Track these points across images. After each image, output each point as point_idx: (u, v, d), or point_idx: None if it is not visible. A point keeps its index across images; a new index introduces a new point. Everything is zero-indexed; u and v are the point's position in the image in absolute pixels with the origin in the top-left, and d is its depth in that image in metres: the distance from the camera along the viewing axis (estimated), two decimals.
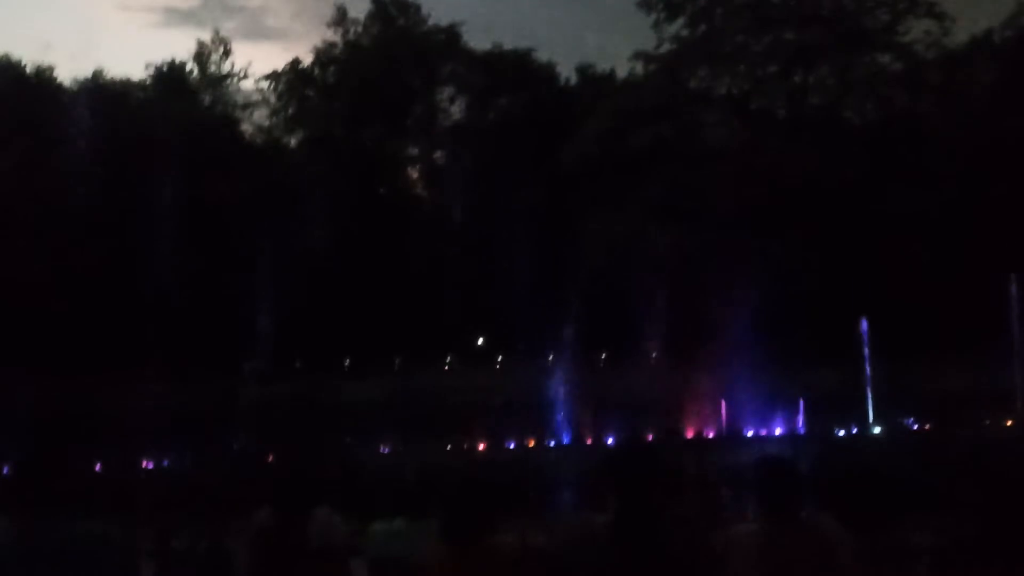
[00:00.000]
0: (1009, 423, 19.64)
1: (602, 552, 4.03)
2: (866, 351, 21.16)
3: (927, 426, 20.39)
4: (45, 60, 38.53)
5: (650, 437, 18.62)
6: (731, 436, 20.19)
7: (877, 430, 20.22)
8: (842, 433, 19.98)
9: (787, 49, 32.93)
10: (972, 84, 31.75)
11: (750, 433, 20.10)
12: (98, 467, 17.01)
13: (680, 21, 33.95)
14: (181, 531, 7.55)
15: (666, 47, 33.87)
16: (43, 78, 36.88)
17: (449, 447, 18.70)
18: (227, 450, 16.73)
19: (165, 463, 17.58)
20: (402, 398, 21.13)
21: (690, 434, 20.45)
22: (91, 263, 25.47)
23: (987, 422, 19.71)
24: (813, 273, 21.68)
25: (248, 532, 5.46)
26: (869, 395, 20.50)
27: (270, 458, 15.20)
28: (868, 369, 21.04)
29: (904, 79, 32.82)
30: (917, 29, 32.80)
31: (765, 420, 19.73)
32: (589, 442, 19.58)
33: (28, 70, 37.11)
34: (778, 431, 20.14)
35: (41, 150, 26.76)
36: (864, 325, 21.68)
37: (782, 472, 4.67)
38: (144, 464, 17.55)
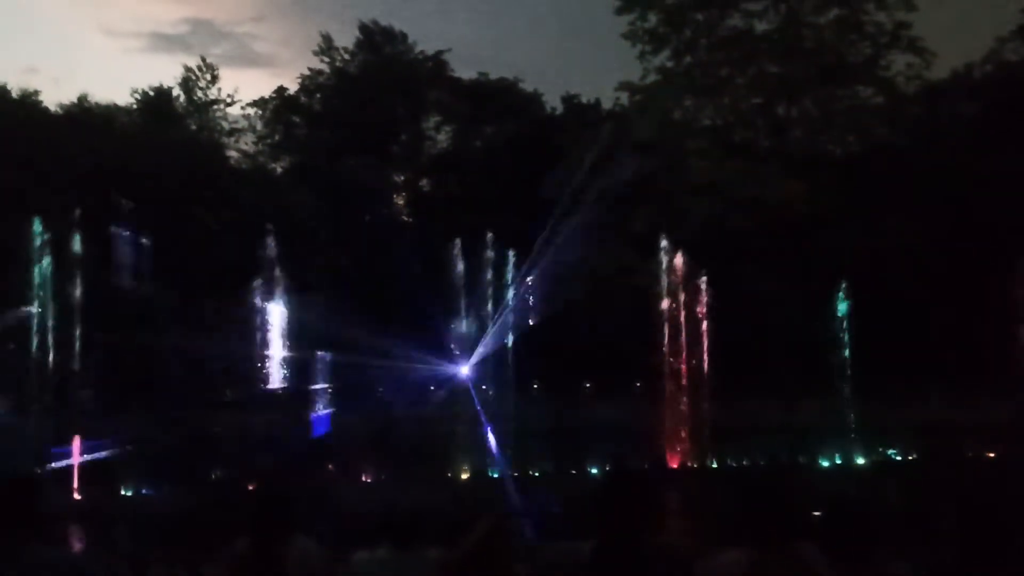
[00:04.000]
0: (991, 454, 19.73)
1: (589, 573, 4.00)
2: (845, 383, 21.26)
3: (910, 456, 20.45)
4: (30, 85, 38.42)
5: (633, 466, 18.58)
6: (714, 466, 20.16)
7: (860, 460, 20.25)
8: (826, 464, 20.00)
9: (770, 81, 33.30)
10: (952, 117, 32.15)
11: (732, 463, 20.07)
12: (75, 495, 16.77)
13: (665, 53, 34.35)
14: (157, 561, 7.42)
15: (651, 78, 34.25)
16: (28, 103, 36.82)
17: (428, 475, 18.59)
18: (204, 479, 16.55)
19: (142, 491, 17.37)
20: (382, 428, 21.05)
21: (674, 464, 20.41)
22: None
23: (969, 453, 19.79)
24: (797, 304, 21.78)
25: (225, 562, 5.38)
26: (851, 427, 20.56)
27: (246, 487, 15.08)
28: (850, 400, 21.11)
29: (885, 112, 33.22)
30: (899, 63, 33.35)
31: (747, 450, 19.72)
32: (572, 472, 19.51)
33: (14, 94, 37.07)
34: (760, 462, 20.14)
35: (26, 175, 26.64)
36: (846, 356, 21.77)
37: (766, 501, 4.66)
38: (121, 492, 17.32)
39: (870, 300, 22.32)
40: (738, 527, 4.68)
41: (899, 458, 20.62)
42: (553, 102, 43.51)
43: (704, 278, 21.84)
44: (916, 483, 15.39)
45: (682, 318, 21.45)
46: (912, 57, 33.04)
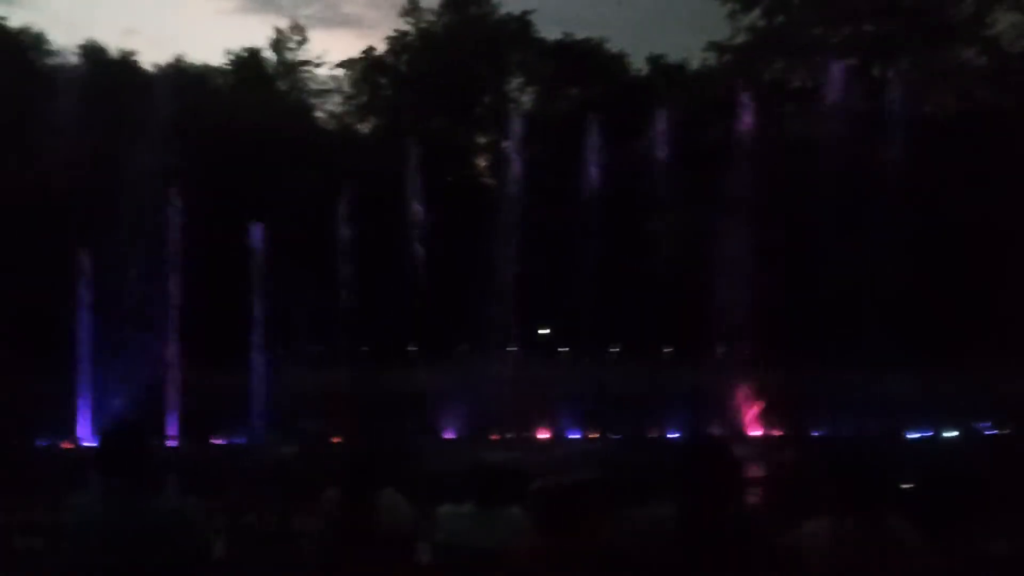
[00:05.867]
0: None
1: (671, 548, 4.02)
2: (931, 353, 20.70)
3: (1006, 430, 19.84)
4: (128, 45, 39.68)
5: (714, 433, 18.48)
6: (798, 435, 19.86)
7: (952, 433, 19.73)
8: (916, 436, 19.54)
9: (866, 41, 32.16)
10: None
11: (817, 433, 19.77)
12: (173, 443, 17.51)
13: (755, 12, 33.46)
14: (251, 509, 7.72)
15: (741, 38, 33.44)
16: (127, 63, 37.96)
17: (509, 437, 18.82)
18: (296, 431, 17.08)
19: (236, 441, 18.01)
20: (463, 387, 21.30)
21: (755, 432, 20.20)
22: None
23: None
24: (890, 274, 21.23)
25: (317, 512, 5.59)
26: (943, 398, 20.04)
27: (336, 440, 15.51)
28: (940, 372, 20.56)
29: (989, 73, 31.84)
30: (1003, 22, 31.86)
31: (835, 420, 19.39)
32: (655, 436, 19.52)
33: (112, 55, 38.29)
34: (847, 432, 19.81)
35: (123, 133, 27.50)
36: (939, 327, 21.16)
37: (853, 471, 4.60)
38: (214, 441, 18.00)
39: (969, 269, 21.59)
40: (823, 498, 4.64)
41: (991, 431, 20.03)
42: (638, 62, 42.89)
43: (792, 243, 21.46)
44: (1010, 456, 14.96)
45: (768, 284, 21.15)
46: (1018, 15, 31.57)
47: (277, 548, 6.82)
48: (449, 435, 19.40)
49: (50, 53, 37.80)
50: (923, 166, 24.88)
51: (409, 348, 27.43)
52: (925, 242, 21.86)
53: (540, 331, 32.29)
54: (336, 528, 5.36)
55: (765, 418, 20.41)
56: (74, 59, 36.40)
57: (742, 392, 21.00)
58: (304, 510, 6.70)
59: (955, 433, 19.62)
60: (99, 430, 18.50)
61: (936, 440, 19.26)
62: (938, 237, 22.36)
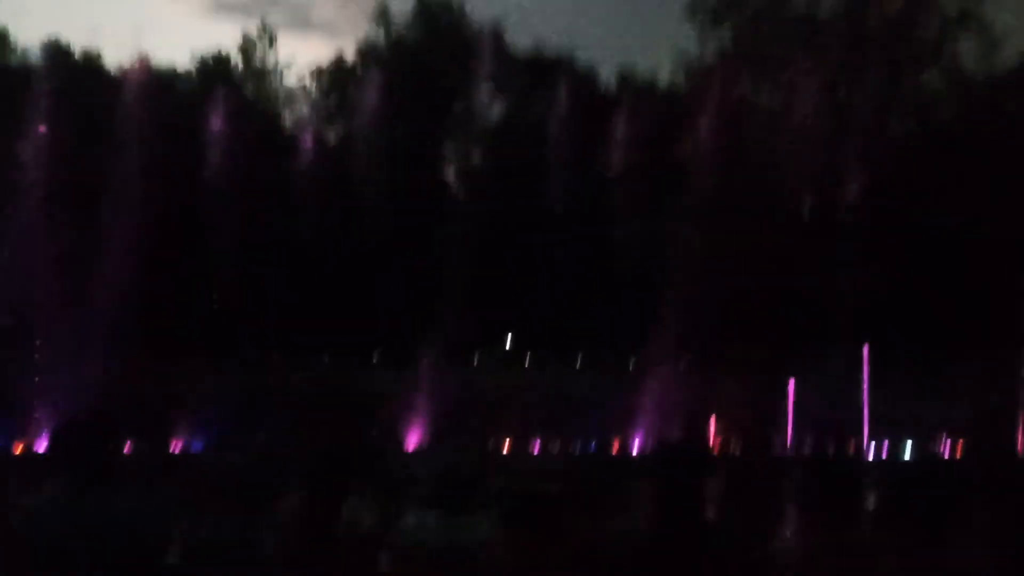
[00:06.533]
0: None
1: (642, 556, 3.98)
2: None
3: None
4: (93, 45, 39.02)
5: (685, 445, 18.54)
6: (759, 450, 19.96)
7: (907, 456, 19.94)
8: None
9: (832, 63, 32.66)
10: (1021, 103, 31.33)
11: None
12: (126, 446, 17.11)
13: (725, 30, 33.85)
14: (210, 516, 7.54)
15: (709, 56, 33.78)
16: (91, 63, 37.42)
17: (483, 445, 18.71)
18: (256, 435, 16.82)
19: (195, 446, 17.72)
20: (429, 393, 21.17)
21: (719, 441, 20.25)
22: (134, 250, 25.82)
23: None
24: (854, 288, 21.58)
25: (278, 519, 5.48)
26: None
27: (299, 445, 15.28)
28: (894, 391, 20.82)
29: (950, 97, 32.46)
30: (965, 48, 32.48)
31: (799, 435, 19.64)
32: (618, 447, 19.55)
33: (76, 55, 37.71)
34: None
35: (87, 135, 27.13)
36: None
37: (832, 482, 4.61)
38: (173, 447, 17.69)
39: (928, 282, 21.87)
40: (794, 513, 4.64)
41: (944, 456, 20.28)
42: (608, 75, 43.21)
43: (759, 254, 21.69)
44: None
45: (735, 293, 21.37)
46: (980, 41, 32.21)
47: (234, 556, 6.65)
48: (412, 441, 19.28)
49: (11, 51, 37.23)
50: (884, 186, 25.31)
51: (372, 354, 27.29)
52: (888, 257, 22.23)
53: (503, 339, 32.29)
54: (296, 537, 5.26)
55: (726, 428, 20.51)
56: (35, 58, 35.90)
57: (701, 401, 21.14)
58: (263, 517, 6.56)
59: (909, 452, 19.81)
60: (51, 431, 18.10)
61: (897, 461, 19.45)
62: (900, 252, 22.72)
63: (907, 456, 19.91)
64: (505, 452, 19.26)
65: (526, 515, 4.30)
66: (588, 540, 4.24)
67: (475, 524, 4.94)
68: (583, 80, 42.52)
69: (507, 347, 30.84)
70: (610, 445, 19.86)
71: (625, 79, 42.22)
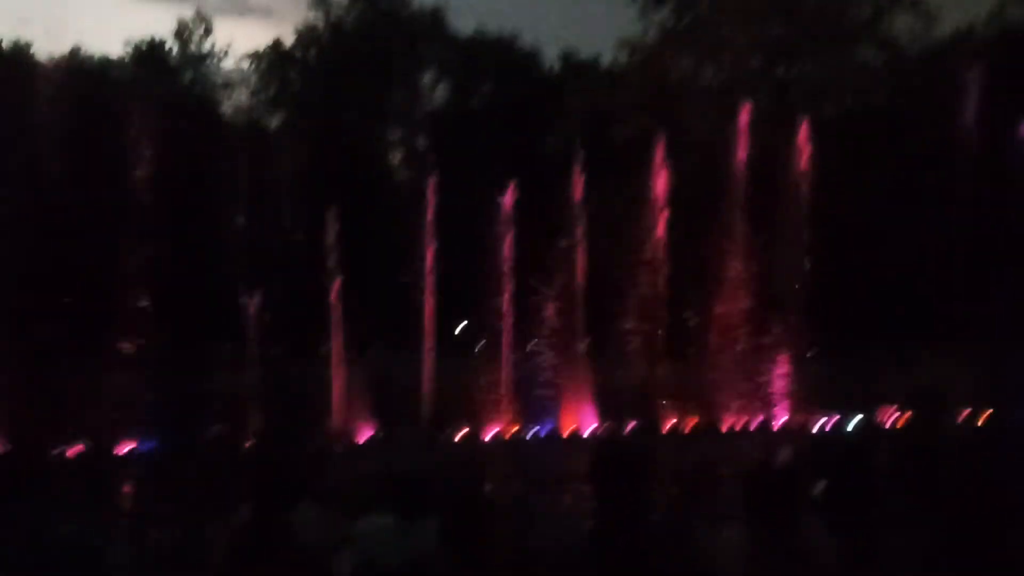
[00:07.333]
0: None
1: (586, 559, 3.99)
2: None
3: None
4: (22, 36, 37.80)
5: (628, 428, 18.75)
6: (710, 430, 20.16)
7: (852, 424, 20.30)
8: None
9: (771, 42, 33.00)
10: (953, 80, 31.97)
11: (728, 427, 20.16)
12: (69, 453, 16.74)
13: (665, 10, 33.98)
14: (157, 523, 7.43)
15: (651, 36, 33.91)
16: (20, 54, 36.31)
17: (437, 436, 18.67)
18: (201, 438, 16.55)
19: (139, 449, 17.34)
20: (376, 386, 21.04)
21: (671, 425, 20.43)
22: (67, 245, 25.23)
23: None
24: (799, 272, 21.90)
25: (229, 527, 5.38)
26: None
27: (245, 447, 15.10)
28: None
29: (886, 74, 33.01)
30: (900, 23, 33.08)
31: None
32: (567, 434, 19.63)
33: (4, 46, 36.56)
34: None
35: (16, 128, 26.35)
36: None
37: (771, 474, 4.64)
38: (117, 451, 17.30)
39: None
40: (742, 501, 4.66)
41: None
42: (551, 57, 43.18)
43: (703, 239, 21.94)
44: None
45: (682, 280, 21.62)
46: (913, 18, 32.82)
47: (183, 566, 6.56)
48: (363, 437, 19.11)
49: None
50: (821, 165, 25.65)
51: (320, 348, 26.99)
52: (830, 239, 22.61)
53: (456, 328, 32.19)
54: (249, 544, 5.18)
55: (679, 411, 20.69)
56: None
57: (656, 385, 21.32)
58: (213, 524, 6.46)
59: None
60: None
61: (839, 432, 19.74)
62: (840, 235, 23.16)
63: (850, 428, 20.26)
64: (457, 440, 19.23)
65: (467, 523, 4.29)
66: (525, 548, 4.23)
67: (425, 532, 4.90)
68: (527, 62, 42.52)
69: (456, 334, 30.81)
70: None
71: (568, 60, 42.25)
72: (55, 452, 15.76)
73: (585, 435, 19.63)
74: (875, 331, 24.25)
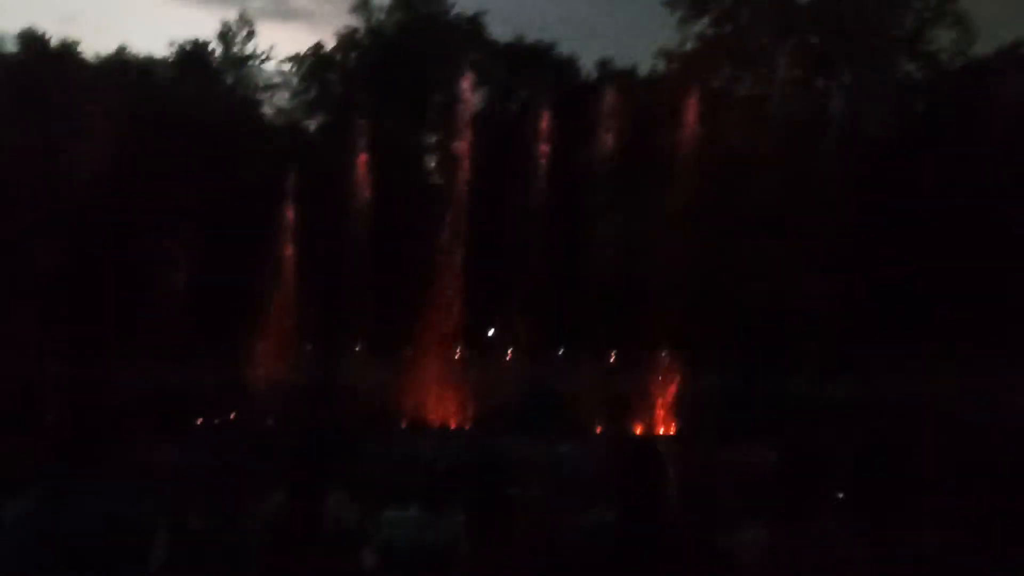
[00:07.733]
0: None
1: (609, 553, 4.09)
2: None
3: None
4: (70, 33, 38.66)
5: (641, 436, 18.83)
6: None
7: None
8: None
9: (811, 54, 32.82)
10: (997, 95, 31.62)
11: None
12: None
13: (705, 20, 33.91)
14: (196, 510, 7.61)
15: (689, 45, 33.85)
16: (67, 52, 37.04)
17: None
18: (238, 430, 16.84)
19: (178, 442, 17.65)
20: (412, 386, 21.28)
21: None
22: (105, 242, 25.78)
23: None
24: (831, 281, 21.78)
25: (263, 514, 5.56)
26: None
27: (279, 439, 15.34)
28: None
29: (927, 88, 32.71)
30: (943, 39, 32.75)
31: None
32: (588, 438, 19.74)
33: (52, 43, 37.32)
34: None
35: (63, 125, 26.95)
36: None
37: (794, 475, 4.72)
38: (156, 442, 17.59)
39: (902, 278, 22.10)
40: (763, 501, 4.76)
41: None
42: (589, 65, 43.20)
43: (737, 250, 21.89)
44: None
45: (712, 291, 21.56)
46: (957, 32, 32.48)
47: (220, 551, 6.73)
48: (397, 430, 19.36)
49: None
50: (861, 177, 25.49)
51: (356, 347, 27.33)
52: (866, 248, 22.44)
53: (487, 332, 32.38)
54: (280, 533, 5.35)
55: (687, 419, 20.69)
56: (12, 47, 35.52)
57: (669, 393, 21.37)
58: (249, 511, 6.63)
59: None
60: None
61: None
62: (877, 246, 22.94)
63: None
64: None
65: (491, 516, 4.41)
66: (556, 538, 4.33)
67: (451, 523, 5.02)
68: (564, 69, 42.57)
69: (489, 339, 30.98)
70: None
71: (606, 68, 42.24)
72: None
73: None
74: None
